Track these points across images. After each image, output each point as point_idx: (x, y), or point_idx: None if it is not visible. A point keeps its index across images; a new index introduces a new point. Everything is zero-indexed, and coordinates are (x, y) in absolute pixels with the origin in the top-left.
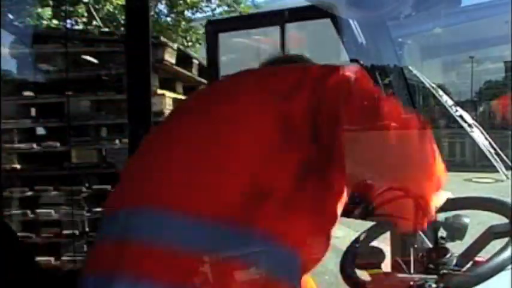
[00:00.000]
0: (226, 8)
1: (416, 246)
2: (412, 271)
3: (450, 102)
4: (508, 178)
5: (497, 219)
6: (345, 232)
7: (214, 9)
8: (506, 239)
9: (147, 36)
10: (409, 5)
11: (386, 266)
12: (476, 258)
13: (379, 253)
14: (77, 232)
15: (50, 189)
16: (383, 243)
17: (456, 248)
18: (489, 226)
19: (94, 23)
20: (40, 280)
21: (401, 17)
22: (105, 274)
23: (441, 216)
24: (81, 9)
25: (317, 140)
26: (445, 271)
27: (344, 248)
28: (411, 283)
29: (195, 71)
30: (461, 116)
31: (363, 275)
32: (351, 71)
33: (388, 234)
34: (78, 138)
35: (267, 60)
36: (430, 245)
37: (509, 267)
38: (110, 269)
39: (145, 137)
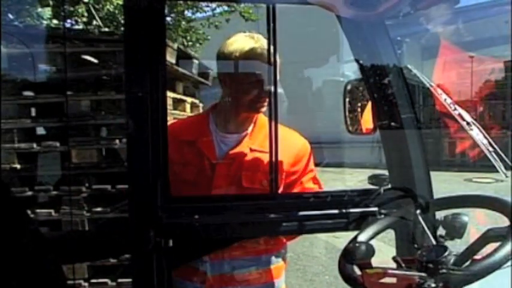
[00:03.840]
0: (226, 8)
1: (419, 245)
2: (411, 270)
3: (449, 101)
4: (507, 177)
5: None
6: (345, 232)
7: (215, 9)
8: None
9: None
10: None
11: (388, 265)
12: (475, 257)
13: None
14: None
15: (50, 189)
16: (386, 243)
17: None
18: (487, 229)
19: (94, 23)
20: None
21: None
22: None
23: (440, 215)
24: (81, 9)
25: None
26: (444, 270)
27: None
28: (410, 282)
29: (195, 70)
30: (460, 115)
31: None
32: None
33: (392, 235)
34: (78, 138)
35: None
36: (433, 243)
37: (508, 264)
38: None
39: None
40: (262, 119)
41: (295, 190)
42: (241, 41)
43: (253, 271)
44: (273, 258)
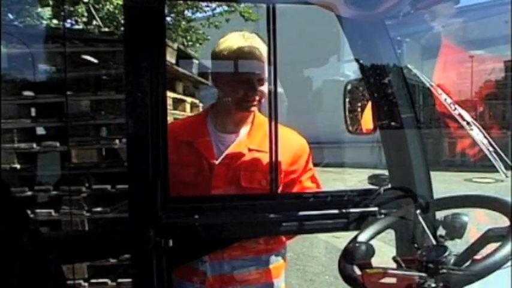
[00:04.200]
0: (226, 8)
1: (419, 245)
2: (411, 270)
3: (449, 100)
4: (507, 177)
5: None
6: (345, 232)
7: (215, 9)
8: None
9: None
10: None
11: (388, 265)
12: (475, 257)
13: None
14: None
15: (50, 189)
16: (386, 243)
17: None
18: (487, 229)
19: (94, 23)
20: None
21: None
22: None
23: (440, 215)
24: (81, 9)
25: None
26: (444, 270)
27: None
28: (410, 282)
29: (195, 70)
30: (460, 115)
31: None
32: None
33: (392, 236)
34: (78, 138)
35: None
36: (433, 243)
37: (508, 264)
38: None
39: None
40: (260, 118)
41: (294, 189)
42: (231, 40)
43: (253, 271)
44: (273, 257)
